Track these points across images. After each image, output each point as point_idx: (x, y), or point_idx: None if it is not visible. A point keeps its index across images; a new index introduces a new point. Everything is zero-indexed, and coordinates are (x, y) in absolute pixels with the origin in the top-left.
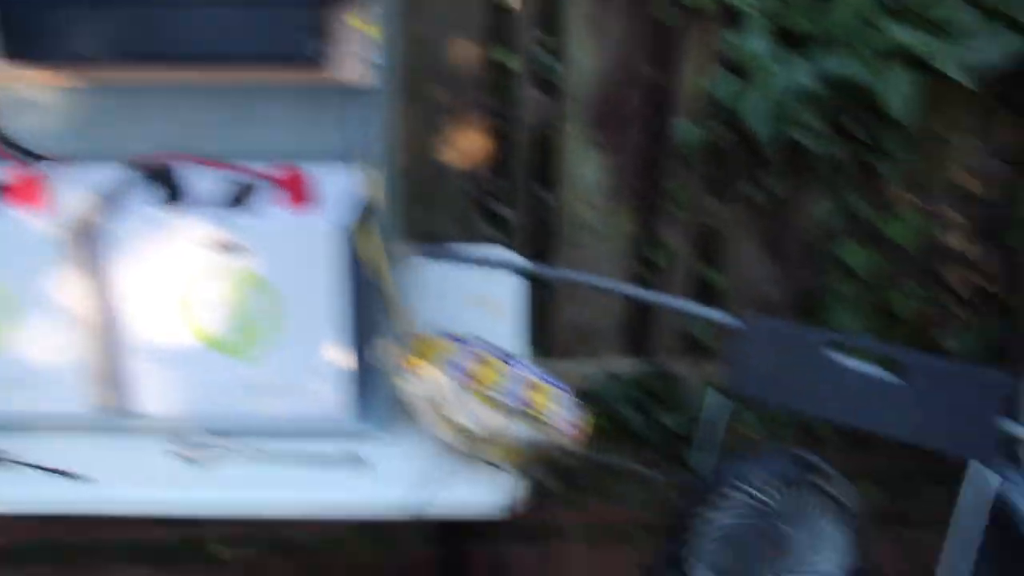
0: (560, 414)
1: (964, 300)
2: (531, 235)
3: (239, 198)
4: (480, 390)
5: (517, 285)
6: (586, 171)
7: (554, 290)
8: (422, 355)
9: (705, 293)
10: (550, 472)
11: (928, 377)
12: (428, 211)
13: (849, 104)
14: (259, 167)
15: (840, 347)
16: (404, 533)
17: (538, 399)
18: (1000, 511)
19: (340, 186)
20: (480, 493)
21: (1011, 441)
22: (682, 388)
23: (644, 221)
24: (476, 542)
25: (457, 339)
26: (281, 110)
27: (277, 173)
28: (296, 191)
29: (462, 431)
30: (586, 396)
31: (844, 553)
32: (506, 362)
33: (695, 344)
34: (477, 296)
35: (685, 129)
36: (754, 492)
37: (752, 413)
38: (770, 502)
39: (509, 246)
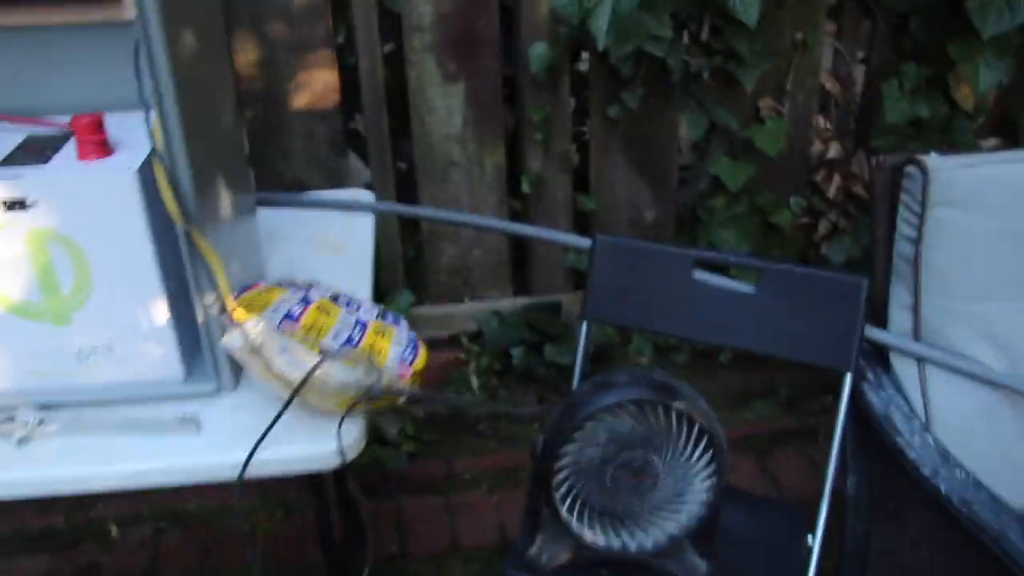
0: (397, 356)
1: (839, 206)
2: (396, 175)
3: (32, 151)
4: (307, 337)
5: (369, 228)
6: (442, 103)
7: (433, 233)
8: (248, 306)
9: (580, 221)
10: (392, 417)
11: (785, 286)
12: (287, 157)
13: (696, 11)
14: (53, 117)
15: (700, 263)
16: (304, 496)
17: (375, 342)
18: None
19: (141, 134)
20: (316, 444)
21: (880, 346)
22: (570, 322)
23: (510, 151)
24: (379, 498)
25: (293, 286)
26: (75, 54)
27: (73, 123)
28: (93, 141)
29: (288, 381)
30: (474, 338)
31: (712, 477)
32: (345, 306)
33: (579, 275)
34: (329, 241)
35: (538, 52)
36: (613, 421)
37: (643, 339)
38: (630, 431)
39: (371, 188)
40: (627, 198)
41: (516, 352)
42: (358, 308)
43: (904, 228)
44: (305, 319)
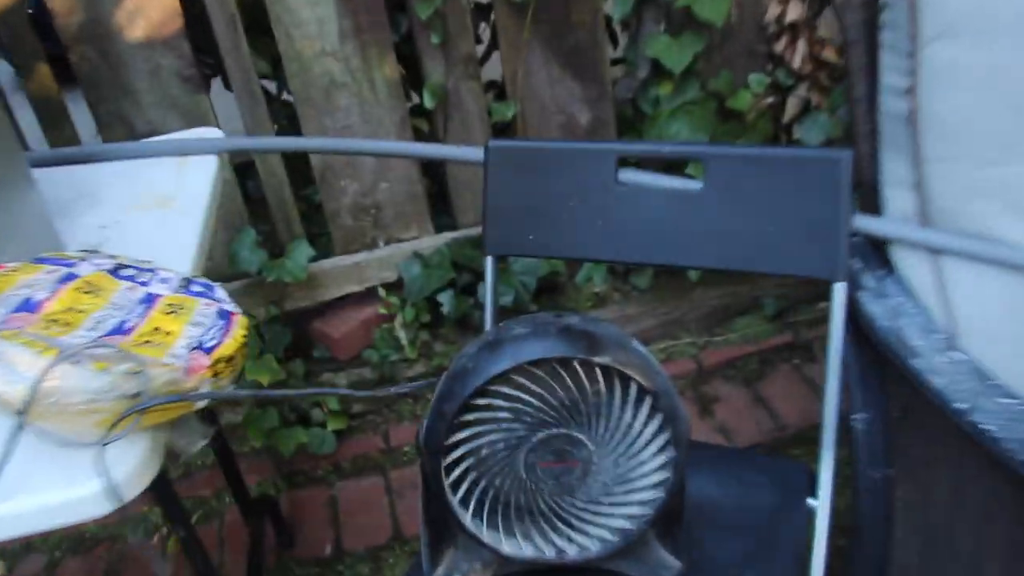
0: (190, 342)
1: (809, 78)
2: (273, 105)
3: None
4: (38, 336)
5: (209, 174)
6: (309, 12)
7: (327, 168)
8: None
9: (503, 134)
10: (192, 428)
11: (741, 177)
12: (133, 100)
13: None
14: None
15: (627, 162)
16: (223, 495)
17: (162, 325)
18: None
19: None
20: (72, 486)
21: (878, 239)
22: None
23: (407, 63)
24: (308, 488)
25: (56, 261)
26: None
27: None
28: None
29: (8, 402)
30: (394, 288)
31: (667, 448)
32: (131, 279)
33: None
34: (154, 196)
35: None
36: (515, 392)
37: (595, 264)
38: (540, 402)
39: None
40: (553, 100)
41: (445, 298)
42: (151, 280)
43: (892, 78)
44: (51, 306)
